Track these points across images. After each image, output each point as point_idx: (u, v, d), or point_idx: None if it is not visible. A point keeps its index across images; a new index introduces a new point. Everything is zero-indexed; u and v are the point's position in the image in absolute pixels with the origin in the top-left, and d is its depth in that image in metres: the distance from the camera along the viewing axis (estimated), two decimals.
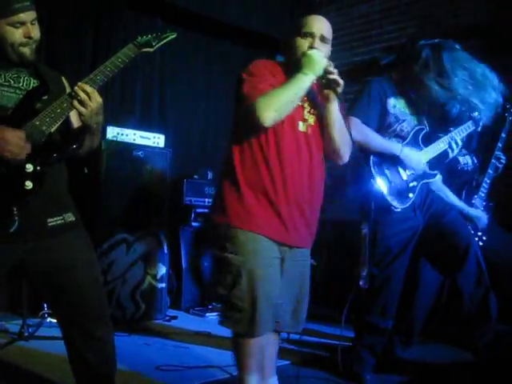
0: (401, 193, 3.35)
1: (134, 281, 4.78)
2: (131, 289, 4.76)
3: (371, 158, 3.33)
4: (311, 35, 2.62)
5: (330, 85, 2.59)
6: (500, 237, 4.10)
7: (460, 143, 3.62)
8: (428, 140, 3.55)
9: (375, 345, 3.47)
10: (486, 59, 4.01)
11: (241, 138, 2.62)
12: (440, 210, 3.49)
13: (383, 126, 3.42)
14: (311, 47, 2.60)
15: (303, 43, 2.62)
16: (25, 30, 2.23)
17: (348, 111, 3.39)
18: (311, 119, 2.67)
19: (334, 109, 2.63)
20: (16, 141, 2.10)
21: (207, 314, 5.13)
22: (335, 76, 2.56)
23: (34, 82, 2.34)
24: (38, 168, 2.17)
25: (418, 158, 3.42)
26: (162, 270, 4.95)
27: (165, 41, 2.50)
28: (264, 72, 2.60)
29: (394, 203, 3.29)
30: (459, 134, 3.62)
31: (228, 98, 6.37)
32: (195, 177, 5.56)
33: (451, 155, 3.61)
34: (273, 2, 6.18)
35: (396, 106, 3.44)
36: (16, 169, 2.12)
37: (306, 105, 2.66)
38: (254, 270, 2.51)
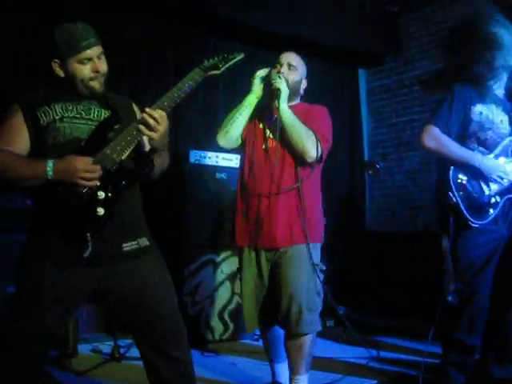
0: (481, 208, 3.20)
1: (221, 301, 4.85)
2: (219, 309, 4.82)
3: (451, 169, 3.23)
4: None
5: (273, 92, 3.15)
6: None
7: None
8: None
9: (464, 363, 3.32)
10: None
11: None
12: None
13: (465, 135, 3.30)
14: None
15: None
16: (92, 66, 2.33)
17: (428, 119, 3.33)
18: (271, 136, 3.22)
19: (282, 111, 3.11)
20: (85, 167, 2.18)
21: None
22: (275, 82, 3.15)
23: (104, 113, 2.43)
24: (110, 195, 2.24)
25: (502, 168, 3.28)
26: None
27: (232, 62, 2.53)
28: None
29: (473, 219, 3.17)
30: None
31: None
32: None
33: None
34: (350, 15, 6.12)
35: (482, 113, 3.29)
36: (88, 196, 2.21)
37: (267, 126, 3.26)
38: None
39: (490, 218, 3.22)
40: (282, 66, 3.29)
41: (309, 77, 6.33)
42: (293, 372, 3.18)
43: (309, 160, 3.14)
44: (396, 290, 5.55)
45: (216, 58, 2.49)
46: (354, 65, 6.89)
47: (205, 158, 4.88)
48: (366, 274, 6.04)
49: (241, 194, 3.31)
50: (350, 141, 6.75)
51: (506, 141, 3.34)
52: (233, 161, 5.01)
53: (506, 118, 3.40)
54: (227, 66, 2.51)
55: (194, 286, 4.71)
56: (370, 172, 6.30)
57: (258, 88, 3.29)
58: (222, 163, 4.97)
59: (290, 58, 3.34)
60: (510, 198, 3.31)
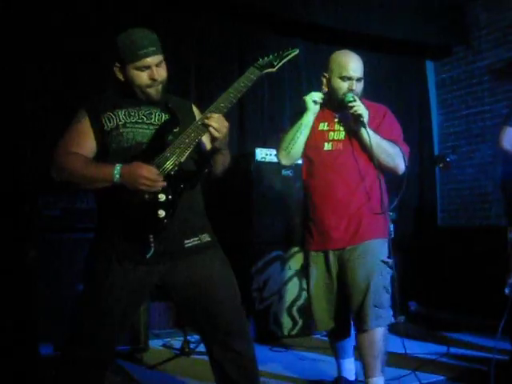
0: None
1: (290, 297, 4.90)
2: (288, 305, 4.88)
3: None
4: (349, 78, 3.11)
5: (354, 116, 3.05)
6: None
7: None
8: None
9: None
10: None
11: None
12: None
13: None
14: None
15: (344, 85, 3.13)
16: (150, 73, 2.40)
17: (505, 119, 3.28)
18: (340, 135, 3.19)
19: (363, 135, 3.04)
20: (150, 175, 2.26)
21: None
22: (355, 108, 3.01)
23: (165, 116, 2.51)
24: (170, 197, 2.32)
25: None
26: None
27: (287, 58, 2.55)
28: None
29: None
30: None
31: None
32: None
33: None
34: (415, 6, 6.04)
35: None
36: (150, 199, 2.30)
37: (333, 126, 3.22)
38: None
39: None
40: (351, 80, 3.10)
41: (377, 72, 6.35)
42: (366, 374, 3.08)
43: (400, 173, 3.17)
44: (467, 285, 5.45)
45: (271, 56, 2.52)
46: (421, 57, 6.79)
47: (270, 155, 4.93)
48: (438, 269, 5.95)
49: (309, 198, 3.30)
50: (419, 134, 6.65)
51: None
52: None
53: None
54: (282, 62, 2.53)
55: (263, 282, 4.78)
56: (441, 166, 6.18)
57: (313, 106, 3.19)
58: None
59: (358, 68, 3.14)
60: None
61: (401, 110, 6.49)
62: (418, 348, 4.40)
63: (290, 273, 4.92)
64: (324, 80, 3.18)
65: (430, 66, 6.90)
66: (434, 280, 5.89)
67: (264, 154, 4.92)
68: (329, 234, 3.15)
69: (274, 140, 5.40)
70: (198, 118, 2.55)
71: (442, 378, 3.65)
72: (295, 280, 4.93)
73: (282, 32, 5.77)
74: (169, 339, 4.63)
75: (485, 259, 5.22)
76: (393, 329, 5.03)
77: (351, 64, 3.09)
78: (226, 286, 2.53)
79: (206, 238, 2.52)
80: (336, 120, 3.20)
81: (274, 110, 5.80)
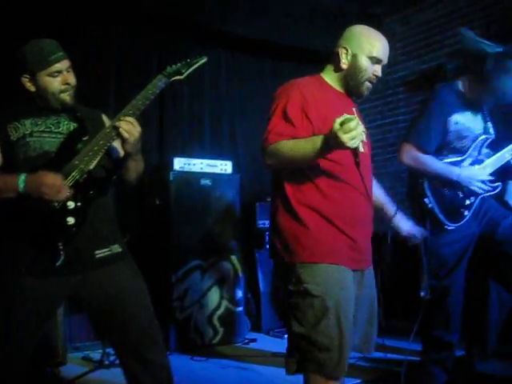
0: (455, 210, 3.27)
1: (210, 306, 4.90)
2: (208, 314, 4.88)
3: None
4: (378, 61, 2.47)
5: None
6: None
7: None
8: (495, 147, 3.44)
9: (444, 359, 3.37)
10: None
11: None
12: (496, 218, 3.35)
13: (443, 144, 3.34)
14: (370, 78, 2.47)
15: (369, 67, 2.46)
16: (62, 78, 2.40)
17: (406, 136, 3.38)
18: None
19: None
20: (54, 183, 2.24)
21: (286, 335, 5.14)
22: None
23: (73, 126, 2.49)
24: (79, 204, 2.31)
25: (479, 176, 3.31)
26: (238, 293, 5.04)
27: (195, 66, 2.56)
28: (296, 114, 2.39)
29: (448, 222, 3.23)
30: None
31: None
32: (268, 200, 5.63)
33: None
34: (334, 17, 6.18)
35: (458, 122, 3.31)
36: (58, 206, 2.27)
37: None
38: (340, 303, 2.25)
39: (464, 220, 3.28)
40: (379, 64, 2.47)
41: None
42: None
43: None
44: (385, 289, 5.58)
45: (179, 64, 2.53)
46: None
47: (189, 164, 4.93)
48: None
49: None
50: None
51: (478, 141, 3.38)
52: (218, 167, 5.09)
53: (480, 122, 3.44)
54: (190, 70, 2.54)
55: (183, 291, 4.76)
56: None
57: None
58: (207, 170, 5.04)
59: (387, 52, 2.51)
60: (484, 197, 3.36)
61: None
62: None
63: (210, 282, 4.91)
64: (343, 54, 2.44)
65: None
66: None
67: (182, 164, 4.91)
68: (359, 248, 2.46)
69: (194, 149, 5.45)
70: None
71: (358, 381, 3.73)
72: (215, 289, 4.93)
73: (203, 42, 5.79)
74: (88, 352, 4.54)
75: (400, 264, 5.37)
76: None
77: (384, 46, 2.49)
78: (137, 296, 2.52)
79: (117, 248, 2.51)
80: (354, 109, 2.53)
81: (194, 120, 5.80)
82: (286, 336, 4.91)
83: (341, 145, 2.04)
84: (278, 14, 5.79)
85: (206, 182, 4.96)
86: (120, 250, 2.52)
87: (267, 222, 5.50)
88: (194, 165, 4.97)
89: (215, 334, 4.90)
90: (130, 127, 2.34)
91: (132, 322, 2.47)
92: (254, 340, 5.04)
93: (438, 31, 5.96)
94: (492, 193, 3.38)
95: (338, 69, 2.50)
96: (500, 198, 3.71)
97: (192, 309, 4.79)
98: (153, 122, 5.48)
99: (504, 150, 3.41)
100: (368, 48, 2.45)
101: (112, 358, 4.19)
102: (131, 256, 2.58)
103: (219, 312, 4.93)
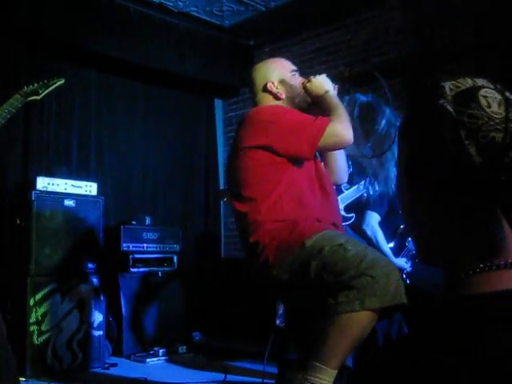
0: None
1: (69, 330, 4.76)
2: (67, 338, 4.74)
3: None
4: (296, 71, 2.94)
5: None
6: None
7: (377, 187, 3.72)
8: (352, 180, 3.64)
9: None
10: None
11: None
12: None
13: None
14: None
15: (295, 78, 2.90)
16: None
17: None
18: None
19: None
20: None
21: (148, 360, 5.13)
22: None
23: None
24: None
25: None
26: (99, 317, 4.95)
27: (52, 87, 2.58)
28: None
29: None
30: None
31: (166, 143, 6.50)
32: (133, 223, 5.62)
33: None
34: (206, 49, 6.32)
35: None
36: None
37: None
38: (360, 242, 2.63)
39: None
40: (297, 72, 3.00)
41: (167, 107, 6.52)
42: None
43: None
44: (247, 315, 5.71)
45: (36, 84, 2.54)
46: (210, 95, 7.09)
47: (53, 184, 4.82)
48: (221, 299, 6.15)
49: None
50: (205, 170, 6.90)
51: None
52: (82, 188, 5.01)
53: None
54: (47, 91, 2.56)
55: (41, 314, 4.60)
56: (225, 200, 6.46)
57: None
58: (71, 190, 4.94)
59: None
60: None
61: (189, 146, 6.73)
62: (197, 377, 4.52)
63: (69, 305, 4.78)
64: (273, 87, 2.87)
65: (218, 104, 7.21)
66: (218, 310, 6.08)
67: (46, 183, 4.79)
68: None
69: (60, 169, 5.33)
70: None
71: None
72: (75, 313, 4.80)
73: (74, 61, 5.72)
74: None
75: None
76: (174, 359, 5.18)
77: (286, 59, 3.06)
78: None
79: None
80: None
81: (60, 139, 5.69)
82: (147, 360, 4.97)
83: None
84: (151, 39, 5.85)
85: (69, 202, 4.86)
86: None
87: (132, 245, 5.48)
88: (58, 185, 4.86)
89: (74, 359, 4.77)
90: None
91: None
92: (114, 365, 4.95)
93: (307, 66, 6.24)
94: (347, 223, 3.59)
95: (281, 99, 2.86)
96: (357, 227, 3.95)
97: (50, 333, 4.64)
98: (17, 140, 5.32)
99: (359, 184, 3.65)
100: (284, 68, 2.94)
101: None
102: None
103: (79, 336, 4.81)
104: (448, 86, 0.88)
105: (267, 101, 2.86)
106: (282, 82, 2.86)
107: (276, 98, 2.86)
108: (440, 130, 0.83)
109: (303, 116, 2.72)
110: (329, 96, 2.75)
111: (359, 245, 2.51)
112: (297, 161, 2.67)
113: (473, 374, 0.69)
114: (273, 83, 2.85)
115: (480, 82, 0.88)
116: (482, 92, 0.85)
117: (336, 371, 2.39)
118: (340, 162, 2.96)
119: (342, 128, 2.60)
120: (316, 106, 2.81)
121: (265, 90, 2.87)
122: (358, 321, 2.36)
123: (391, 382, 0.77)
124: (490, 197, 0.79)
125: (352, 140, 2.62)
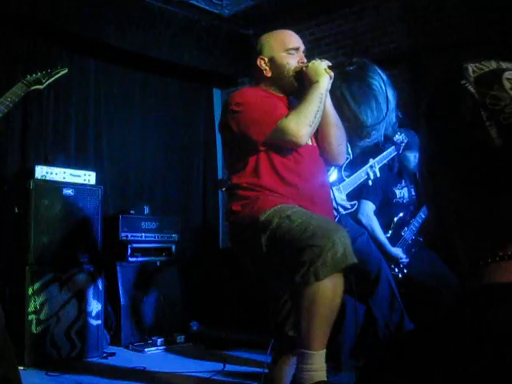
0: None
1: (68, 319, 4.76)
2: (66, 327, 4.73)
3: None
4: (296, 50, 2.83)
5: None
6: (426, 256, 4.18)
7: (378, 173, 3.70)
8: (353, 167, 3.63)
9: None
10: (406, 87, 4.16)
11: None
12: (352, 235, 3.53)
13: None
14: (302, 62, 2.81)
15: (289, 57, 2.81)
16: None
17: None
18: None
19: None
20: None
21: (146, 349, 5.12)
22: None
23: None
24: None
25: (337, 199, 3.48)
26: (98, 306, 4.95)
27: (55, 77, 2.56)
28: (265, 99, 2.75)
29: None
30: (379, 162, 3.71)
31: (164, 133, 6.48)
32: (131, 212, 5.60)
33: (371, 182, 3.70)
34: (206, 38, 6.29)
35: None
36: None
37: None
38: (302, 211, 2.56)
39: None
40: (298, 51, 2.88)
41: (166, 97, 6.49)
42: None
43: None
44: (246, 304, 5.71)
45: (39, 73, 2.51)
46: (209, 85, 7.06)
47: (51, 173, 4.80)
48: (219, 289, 6.15)
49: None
50: (204, 159, 6.89)
51: None
52: (81, 177, 4.99)
53: None
54: (50, 80, 2.54)
55: (40, 303, 4.59)
56: (224, 189, 6.46)
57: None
58: (70, 179, 4.92)
59: (300, 39, 2.95)
60: (342, 215, 3.54)
61: (187, 135, 6.71)
62: (195, 366, 4.51)
63: (68, 295, 4.77)
64: (262, 64, 2.83)
65: (217, 93, 7.19)
66: (216, 300, 6.09)
67: (44, 172, 4.78)
68: None
69: (58, 158, 5.31)
70: None
71: None
72: (74, 302, 4.80)
73: (73, 50, 5.70)
74: None
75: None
76: (173, 349, 5.18)
77: (292, 34, 2.91)
78: None
79: None
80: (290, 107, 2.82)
81: (59, 128, 5.66)
82: (146, 350, 4.97)
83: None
84: (150, 28, 5.82)
85: (68, 191, 4.84)
86: None
87: (130, 235, 5.47)
88: (57, 174, 4.84)
89: (73, 348, 4.76)
90: None
91: None
92: (112, 354, 4.95)
93: (306, 55, 6.21)
94: (349, 211, 3.58)
95: (266, 78, 2.82)
96: (354, 216, 3.95)
97: (49, 322, 4.64)
98: (15, 129, 5.29)
99: (360, 171, 3.63)
100: (281, 44, 2.81)
101: None
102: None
103: (77, 325, 4.80)
104: (471, 67, 0.86)
105: (257, 76, 2.88)
106: (272, 60, 2.81)
107: (262, 74, 2.85)
108: (460, 111, 0.82)
109: (264, 107, 2.68)
110: (314, 88, 2.66)
111: (304, 214, 2.53)
112: None
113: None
114: (263, 59, 2.83)
115: (505, 65, 0.86)
116: (507, 74, 0.83)
117: (323, 350, 2.44)
118: (334, 141, 2.85)
119: (293, 126, 2.57)
120: (301, 92, 2.77)
121: (256, 64, 2.87)
122: (319, 293, 2.37)
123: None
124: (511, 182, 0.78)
125: (304, 141, 2.59)
